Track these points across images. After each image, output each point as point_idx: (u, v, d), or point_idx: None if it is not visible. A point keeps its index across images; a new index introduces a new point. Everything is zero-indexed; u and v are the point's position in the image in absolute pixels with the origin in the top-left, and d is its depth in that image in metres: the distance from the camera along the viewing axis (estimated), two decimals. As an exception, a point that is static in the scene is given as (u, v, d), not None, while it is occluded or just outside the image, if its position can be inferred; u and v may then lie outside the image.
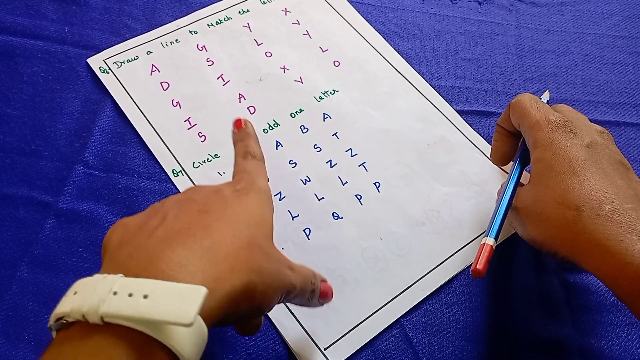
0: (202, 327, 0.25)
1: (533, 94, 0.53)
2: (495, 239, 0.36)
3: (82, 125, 0.47)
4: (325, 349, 0.39)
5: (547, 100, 0.46)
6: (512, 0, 0.60)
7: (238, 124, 0.40)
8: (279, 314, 0.40)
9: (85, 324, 0.24)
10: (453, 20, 0.58)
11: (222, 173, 0.46)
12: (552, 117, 0.37)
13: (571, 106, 0.40)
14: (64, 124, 0.47)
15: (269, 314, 0.39)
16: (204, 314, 0.24)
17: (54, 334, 0.25)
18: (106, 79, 0.50)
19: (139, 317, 0.23)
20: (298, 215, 0.44)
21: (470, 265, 0.37)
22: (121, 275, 0.25)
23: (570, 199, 0.33)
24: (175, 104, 0.49)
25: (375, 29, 0.56)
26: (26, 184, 0.44)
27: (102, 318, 0.23)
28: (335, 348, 0.39)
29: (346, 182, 0.46)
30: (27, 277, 0.40)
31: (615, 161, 0.35)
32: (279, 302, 0.31)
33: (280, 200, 0.45)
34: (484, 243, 0.35)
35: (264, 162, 0.38)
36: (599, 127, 0.38)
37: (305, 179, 0.46)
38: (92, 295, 0.24)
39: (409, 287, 0.41)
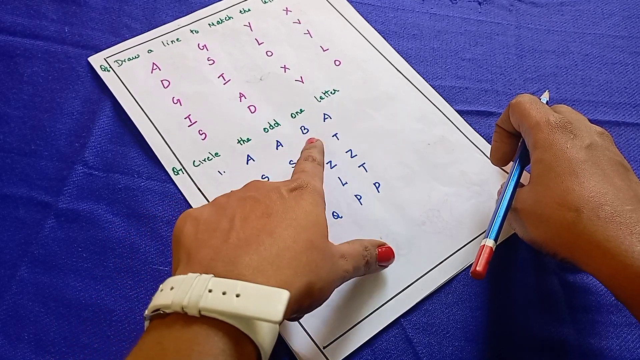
0: (277, 325, 0.28)
1: (533, 94, 0.53)
2: (495, 240, 0.36)
3: (82, 125, 0.47)
4: (324, 348, 0.38)
5: (547, 101, 0.46)
6: (512, 0, 0.60)
7: (311, 140, 0.45)
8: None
9: (182, 315, 0.27)
10: (453, 20, 0.58)
11: (222, 172, 0.46)
12: (552, 118, 0.37)
13: (571, 106, 0.40)
14: (64, 124, 0.47)
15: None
16: None
17: (146, 323, 0.29)
18: (107, 77, 0.50)
19: (234, 313, 0.26)
20: (298, 215, 0.44)
21: (470, 265, 0.37)
22: (212, 275, 0.28)
23: (570, 201, 0.33)
24: (175, 102, 0.49)
25: (375, 29, 0.56)
26: (26, 184, 0.44)
27: (200, 311, 0.26)
28: (334, 346, 0.39)
29: (346, 183, 0.46)
30: (27, 277, 0.40)
31: (615, 162, 0.35)
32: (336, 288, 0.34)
33: (280, 200, 0.45)
34: (484, 244, 0.35)
35: (324, 167, 0.42)
36: (598, 128, 0.38)
37: (305, 179, 0.46)
38: (190, 291, 0.27)
39: (409, 286, 0.41)
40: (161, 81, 0.50)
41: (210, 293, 0.27)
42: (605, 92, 0.54)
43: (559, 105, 0.40)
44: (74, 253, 0.41)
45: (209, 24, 0.55)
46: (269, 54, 0.53)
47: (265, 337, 0.28)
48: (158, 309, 0.28)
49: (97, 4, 0.55)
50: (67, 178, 0.44)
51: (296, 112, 0.50)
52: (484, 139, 0.49)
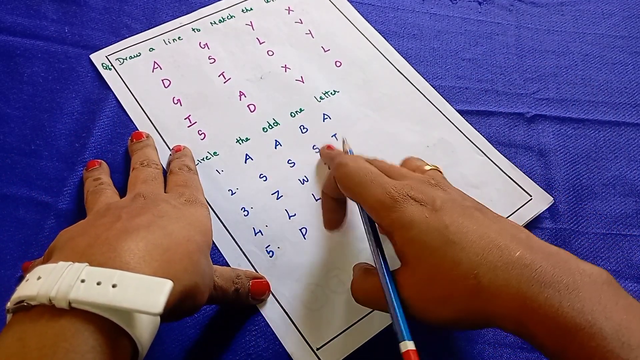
0: (158, 318, 0.27)
1: (533, 94, 0.53)
2: (410, 339, 0.31)
3: (82, 125, 0.47)
4: (317, 349, 0.38)
5: (350, 149, 0.44)
6: (512, 0, 0.60)
7: (178, 147, 0.46)
8: (273, 313, 0.40)
9: (49, 308, 0.25)
10: (453, 20, 0.58)
11: (220, 171, 0.46)
12: (393, 191, 0.33)
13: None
14: (64, 124, 0.47)
15: (262, 312, 0.40)
16: None
17: (9, 316, 0.26)
18: (108, 76, 0.50)
19: (109, 305, 0.24)
20: (295, 214, 0.44)
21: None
22: (87, 264, 0.26)
23: (463, 270, 0.29)
24: (176, 102, 0.49)
25: (375, 29, 0.56)
26: (26, 184, 0.44)
27: (69, 303, 0.24)
28: (327, 348, 0.38)
29: (346, 182, 0.46)
30: (27, 277, 0.40)
31: (471, 209, 0.32)
32: (205, 304, 0.33)
33: (277, 199, 0.45)
34: (407, 350, 0.30)
35: (198, 176, 0.43)
36: (428, 177, 0.35)
37: (303, 179, 0.46)
38: (60, 281, 0.25)
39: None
40: (162, 80, 0.50)
41: (82, 283, 0.24)
42: (605, 92, 0.54)
43: (376, 160, 0.38)
44: (74, 253, 0.41)
45: (210, 23, 0.55)
46: (270, 53, 0.53)
47: (143, 331, 0.26)
48: (22, 301, 0.25)
49: (97, 4, 0.55)
50: (67, 178, 0.44)
51: (295, 112, 0.50)
52: (485, 138, 0.49)
